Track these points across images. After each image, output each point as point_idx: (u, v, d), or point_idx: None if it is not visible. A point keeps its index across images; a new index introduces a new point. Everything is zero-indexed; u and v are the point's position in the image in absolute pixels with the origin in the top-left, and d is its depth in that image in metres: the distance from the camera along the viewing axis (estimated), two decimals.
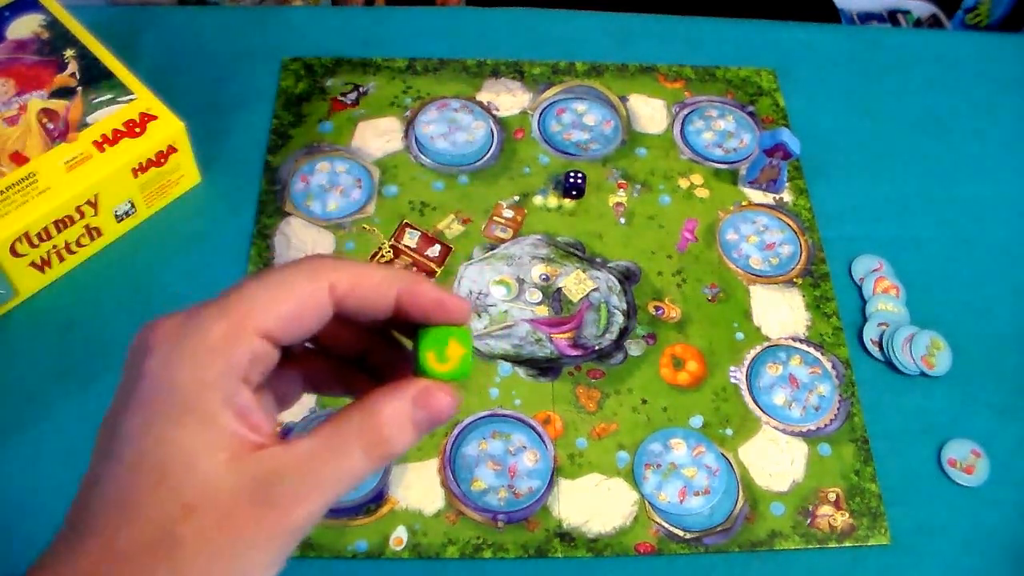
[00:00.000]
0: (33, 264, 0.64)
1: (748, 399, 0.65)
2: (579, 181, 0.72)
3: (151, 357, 0.29)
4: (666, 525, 0.60)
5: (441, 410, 0.31)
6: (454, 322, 0.33)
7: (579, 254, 0.70)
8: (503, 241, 0.70)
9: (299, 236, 0.69)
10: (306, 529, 0.29)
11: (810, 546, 0.60)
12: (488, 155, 0.75)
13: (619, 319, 0.67)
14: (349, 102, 0.77)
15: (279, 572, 0.30)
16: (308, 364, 0.35)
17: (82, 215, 0.64)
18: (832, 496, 0.62)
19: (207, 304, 0.30)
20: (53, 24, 0.71)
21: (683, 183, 0.75)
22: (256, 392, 0.31)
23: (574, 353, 0.66)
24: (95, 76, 0.68)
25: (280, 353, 0.31)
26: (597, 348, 0.66)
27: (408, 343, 0.34)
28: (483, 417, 0.63)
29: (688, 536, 0.60)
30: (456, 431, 0.62)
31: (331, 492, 0.29)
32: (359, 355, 0.35)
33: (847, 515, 0.61)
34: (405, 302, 0.32)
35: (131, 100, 0.67)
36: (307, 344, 0.35)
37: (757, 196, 0.75)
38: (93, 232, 0.66)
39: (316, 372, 0.35)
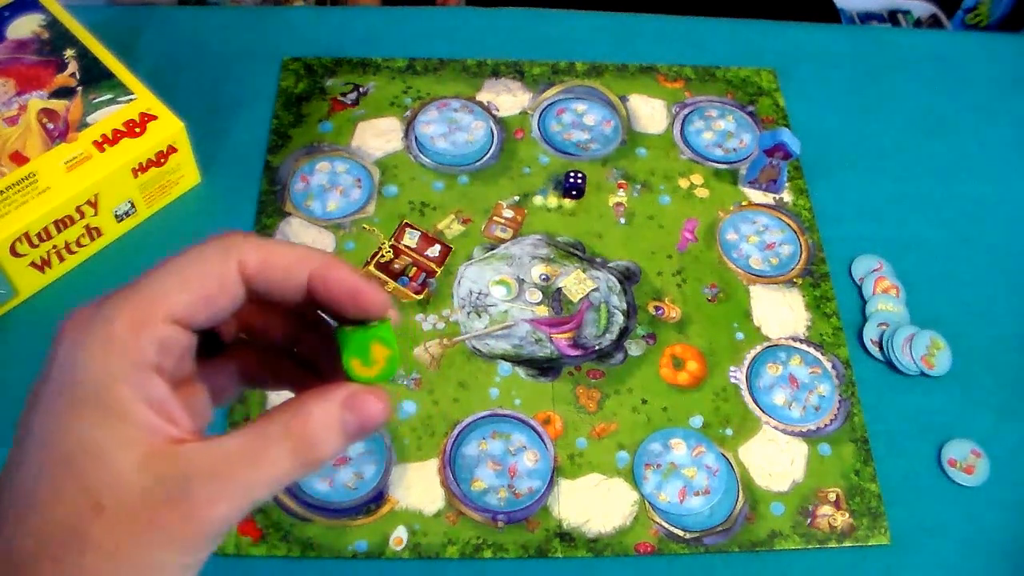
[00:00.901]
0: (33, 264, 0.64)
1: (748, 399, 0.65)
2: (579, 181, 0.72)
3: (59, 350, 0.28)
4: (666, 525, 0.60)
5: (371, 416, 0.30)
6: (370, 315, 0.31)
7: (579, 254, 0.70)
8: (503, 241, 0.70)
9: (299, 236, 0.69)
10: (223, 532, 0.28)
11: (810, 546, 0.60)
12: (488, 155, 0.75)
13: (619, 319, 0.67)
14: (349, 102, 0.77)
15: (195, 573, 0.28)
16: (241, 356, 0.34)
17: (82, 215, 0.64)
18: (832, 496, 0.62)
19: (116, 292, 0.29)
20: (53, 24, 0.71)
21: (683, 183, 0.75)
22: (184, 386, 0.30)
23: (574, 353, 0.66)
24: (95, 76, 0.68)
25: (195, 337, 0.30)
26: (597, 348, 0.66)
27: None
28: (483, 417, 0.63)
29: (688, 536, 0.60)
30: (456, 431, 0.62)
31: (250, 495, 0.28)
32: (291, 344, 0.34)
33: (847, 515, 0.61)
34: (318, 287, 0.31)
35: (131, 100, 0.67)
36: (242, 335, 0.34)
37: (757, 196, 0.75)
38: (93, 232, 0.66)
39: (250, 364, 0.34)
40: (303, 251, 0.31)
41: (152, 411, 0.27)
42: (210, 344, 0.32)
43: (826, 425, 0.64)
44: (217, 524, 0.27)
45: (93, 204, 0.65)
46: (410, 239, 0.70)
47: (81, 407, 0.27)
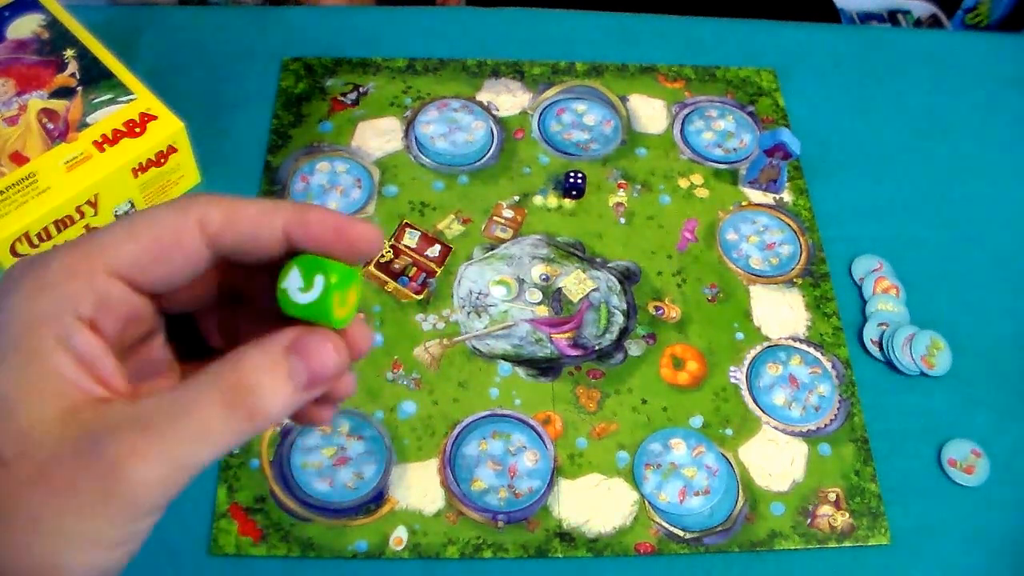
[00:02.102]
0: None
1: (748, 399, 0.65)
2: (579, 181, 0.72)
3: None
4: (666, 525, 0.60)
5: (324, 363, 0.26)
6: (361, 252, 0.28)
7: (579, 254, 0.70)
8: (503, 241, 0.70)
9: None
10: (154, 501, 0.24)
11: (810, 546, 0.60)
12: (488, 155, 0.75)
13: (619, 319, 0.67)
14: (349, 102, 0.77)
15: (127, 552, 0.25)
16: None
17: (82, 215, 0.64)
18: (832, 496, 0.62)
19: (65, 242, 0.26)
20: (53, 24, 0.71)
21: (683, 183, 0.75)
22: (156, 377, 0.27)
23: (574, 353, 0.66)
24: (95, 76, 0.68)
25: (151, 306, 0.27)
26: (597, 348, 0.66)
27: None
28: (483, 417, 0.63)
29: (688, 536, 0.60)
30: (456, 431, 0.62)
31: (179, 453, 0.24)
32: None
33: (847, 515, 0.61)
34: (297, 236, 0.27)
35: (131, 100, 0.67)
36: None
37: (757, 196, 0.75)
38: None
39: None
40: (272, 203, 0.28)
41: (75, 363, 0.25)
42: (197, 347, 0.30)
43: (826, 425, 0.64)
44: (142, 487, 0.24)
45: (93, 204, 0.65)
46: (410, 239, 0.70)
47: (1, 351, 0.25)
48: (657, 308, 0.68)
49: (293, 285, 0.26)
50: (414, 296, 0.67)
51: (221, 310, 0.31)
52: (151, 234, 0.26)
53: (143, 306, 0.27)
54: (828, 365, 0.67)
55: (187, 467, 0.24)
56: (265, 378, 0.25)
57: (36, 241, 0.63)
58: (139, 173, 0.66)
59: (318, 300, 0.26)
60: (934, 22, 1.43)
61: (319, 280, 0.26)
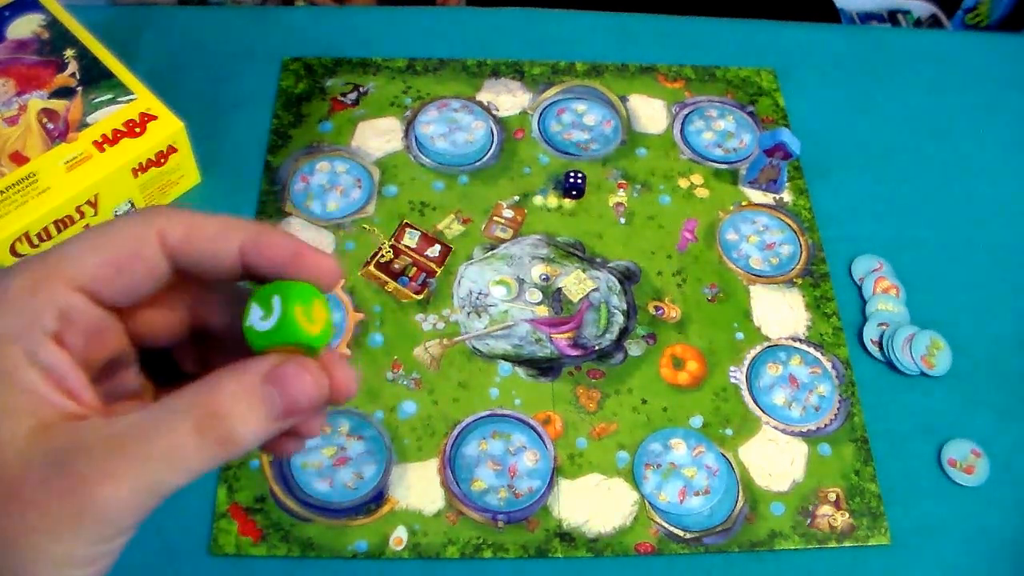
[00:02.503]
0: None
1: (748, 399, 0.65)
2: (579, 181, 0.72)
3: None
4: (666, 525, 0.60)
5: (301, 392, 0.26)
6: (319, 282, 0.28)
7: (579, 254, 0.70)
8: (503, 241, 0.70)
9: (299, 236, 0.69)
10: (125, 521, 0.24)
11: (810, 546, 0.60)
12: (488, 155, 0.75)
13: (619, 319, 0.67)
14: (349, 102, 0.77)
15: (100, 569, 0.25)
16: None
17: (82, 215, 0.64)
18: (832, 496, 0.62)
19: (24, 258, 0.27)
20: (53, 24, 0.71)
21: (683, 183, 0.75)
22: (129, 400, 0.27)
23: (574, 353, 0.66)
24: (95, 76, 0.68)
25: (113, 319, 0.27)
26: (597, 348, 0.66)
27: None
28: (483, 417, 0.63)
29: (688, 536, 0.60)
30: (456, 431, 0.62)
31: (149, 473, 0.24)
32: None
33: (847, 515, 0.61)
34: (252, 256, 0.27)
35: (131, 100, 0.67)
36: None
37: (757, 196, 0.75)
38: None
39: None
40: (232, 220, 0.28)
41: (44, 378, 0.25)
42: (170, 372, 0.30)
43: (826, 425, 0.64)
44: (111, 507, 0.24)
45: (93, 204, 0.65)
46: (410, 239, 0.70)
47: None
48: (657, 308, 0.68)
49: (255, 317, 0.26)
50: (414, 296, 0.67)
51: (196, 346, 0.31)
52: (112, 246, 0.26)
53: (107, 320, 0.27)
54: (828, 365, 0.67)
55: (158, 490, 0.24)
56: (240, 406, 0.25)
57: (36, 241, 0.63)
58: (139, 173, 0.66)
59: (280, 318, 0.26)
60: (934, 22, 1.43)
61: (276, 300, 0.26)
